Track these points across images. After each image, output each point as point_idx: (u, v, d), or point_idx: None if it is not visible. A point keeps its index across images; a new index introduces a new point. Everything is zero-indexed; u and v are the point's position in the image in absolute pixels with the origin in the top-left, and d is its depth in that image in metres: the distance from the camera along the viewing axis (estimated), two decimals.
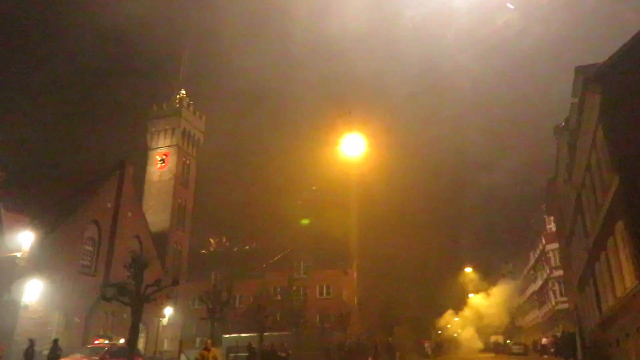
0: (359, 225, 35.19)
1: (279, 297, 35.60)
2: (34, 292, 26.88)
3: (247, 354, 23.04)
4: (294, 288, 35.38)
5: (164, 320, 31.64)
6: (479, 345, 54.77)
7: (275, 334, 27.78)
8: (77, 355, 22.32)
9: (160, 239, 43.99)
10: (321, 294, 42.20)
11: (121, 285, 20.10)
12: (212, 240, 53.87)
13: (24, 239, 26.52)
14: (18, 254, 27.09)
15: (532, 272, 45.08)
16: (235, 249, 37.21)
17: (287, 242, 37.19)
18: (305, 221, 33.82)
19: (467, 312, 46.21)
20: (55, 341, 19.02)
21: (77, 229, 29.49)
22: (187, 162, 53.90)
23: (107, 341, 26.63)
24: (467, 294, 44.11)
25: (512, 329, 49.79)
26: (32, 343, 18.91)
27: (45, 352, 20.32)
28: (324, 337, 30.93)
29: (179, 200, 50.68)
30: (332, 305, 36.65)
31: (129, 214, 36.37)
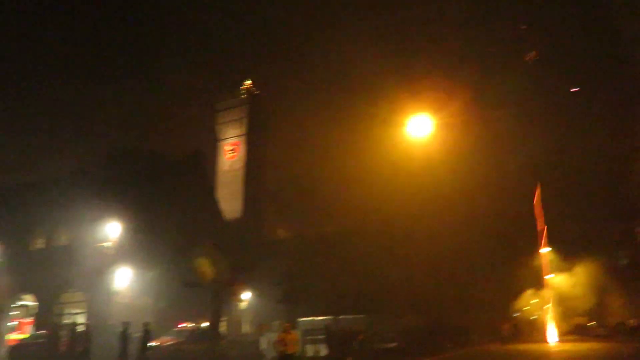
0: (427, 209, 34.74)
1: (353, 280, 35.97)
2: (123, 279, 28.86)
3: (324, 336, 23.63)
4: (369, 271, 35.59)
5: (243, 305, 32.93)
6: (561, 327, 52.63)
7: (350, 316, 28.25)
8: (165, 338, 23.88)
9: (234, 227, 45.62)
10: None
11: (201, 272, 21.28)
12: (284, 226, 55.12)
13: (112, 230, 28.50)
14: (107, 244, 29.17)
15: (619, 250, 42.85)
16: (308, 234, 37.91)
17: (354, 225, 37.41)
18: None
19: (547, 292, 44.58)
20: (146, 324, 20.31)
21: (158, 219, 31.11)
22: (257, 150, 55.19)
23: (191, 325, 28.23)
24: (546, 274, 42.53)
25: (598, 309, 47.60)
26: (126, 326, 20.31)
27: (137, 334, 21.82)
28: (399, 320, 31.08)
29: (250, 188, 52.17)
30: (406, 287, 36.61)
31: (205, 202, 38.04)
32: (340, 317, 27.77)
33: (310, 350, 27.26)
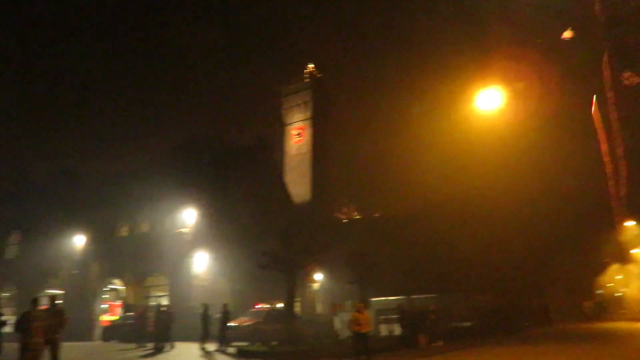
0: (499, 185, 33.64)
1: (424, 259, 35.71)
2: (201, 263, 30.21)
3: (397, 316, 23.69)
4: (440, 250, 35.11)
5: (315, 285, 33.60)
6: None
7: (423, 296, 28.11)
8: (243, 318, 24.80)
9: (304, 209, 46.34)
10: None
11: (274, 255, 21.81)
12: (353, 207, 55.38)
13: (188, 216, 29.84)
14: (185, 230, 30.58)
15: None
16: (377, 215, 37.92)
17: (424, 204, 36.86)
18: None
19: (632, 268, 42.08)
20: (225, 305, 21.19)
21: (231, 205, 32.19)
22: (322, 133, 55.46)
23: (267, 306, 29.13)
24: (631, 249, 40.16)
25: None
26: (206, 307, 21.29)
27: (217, 315, 22.82)
28: (473, 299, 30.61)
29: (318, 171, 52.63)
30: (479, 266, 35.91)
31: (275, 187, 38.94)
32: (413, 296, 27.67)
33: (383, 329, 27.45)
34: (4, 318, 10.64)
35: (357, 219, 53.27)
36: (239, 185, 34.22)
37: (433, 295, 28.70)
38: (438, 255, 31.43)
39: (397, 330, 24.76)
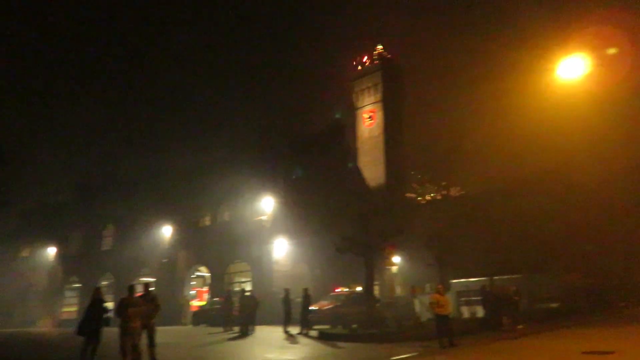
0: (587, 158, 31.67)
1: (507, 239, 34.57)
2: (281, 249, 31.02)
3: (479, 297, 23.20)
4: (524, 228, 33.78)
5: (394, 268, 33.50)
6: None
7: (506, 277, 27.26)
8: (323, 302, 25.25)
9: (379, 192, 46.16)
10: None
11: (352, 239, 21.97)
12: (431, 187, 54.31)
13: (267, 204, 30.68)
14: (264, 217, 31.46)
15: None
16: (456, 194, 37.04)
17: (505, 181, 35.46)
18: None
19: None
20: (306, 290, 21.66)
21: (307, 191, 32.68)
22: (394, 114, 54.75)
23: (346, 289, 29.47)
24: None
25: None
26: (287, 292, 21.90)
27: (298, 299, 23.39)
28: (560, 279, 29.27)
29: (391, 153, 52.10)
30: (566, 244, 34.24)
31: (349, 171, 39.10)
32: (496, 277, 26.90)
33: (465, 312, 26.96)
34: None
35: (435, 199, 52.24)
36: (314, 171, 34.67)
37: (517, 275, 27.76)
38: (522, 233, 30.25)
39: (480, 312, 24.26)
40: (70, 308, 42.96)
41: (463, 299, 27.92)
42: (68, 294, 43.90)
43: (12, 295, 45.52)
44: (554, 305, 25.69)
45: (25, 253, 48.25)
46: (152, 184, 40.89)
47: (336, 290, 28.36)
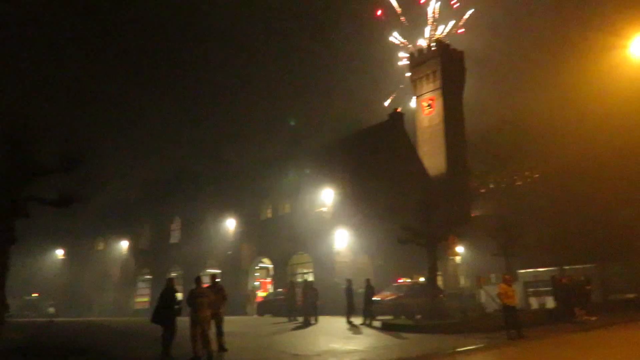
0: None
1: (578, 227, 33.04)
2: (342, 240, 31.13)
3: (548, 288, 22.40)
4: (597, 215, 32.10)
5: (458, 258, 32.90)
6: None
7: (577, 266, 26.12)
8: (386, 293, 25.16)
9: (441, 181, 45.36)
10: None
11: (414, 229, 21.74)
12: (493, 175, 52.77)
13: (327, 196, 30.86)
14: (324, 209, 31.66)
15: None
16: (519, 183, 35.76)
17: (574, 165, 33.77)
18: None
19: None
20: (368, 280, 21.64)
21: (367, 181, 32.54)
22: (454, 101, 53.51)
23: (408, 280, 29.23)
24: None
25: None
26: (350, 282, 21.99)
27: (360, 290, 23.43)
28: (637, 269, 27.69)
29: (452, 141, 50.99)
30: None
31: (409, 161, 38.62)
32: (566, 267, 25.81)
33: (534, 302, 26.09)
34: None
35: (500, 187, 50.63)
36: (374, 161, 34.50)
37: (589, 265, 26.51)
38: (594, 220, 28.80)
39: (549, 303, 23.43)
40: (143, 298, 45.13)
41: (531, 289, 26.99)
42: (140, 285, 46.09)
43: (91, 286, 48.43)
44: (630, 296, 24.36)
45: (100, 247, 51.06)
46: (217, 179, 42.17)
47: (399, 281, 28.18)
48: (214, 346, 11.53)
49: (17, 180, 10.74)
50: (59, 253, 52.90)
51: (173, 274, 42.54)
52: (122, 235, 46.91)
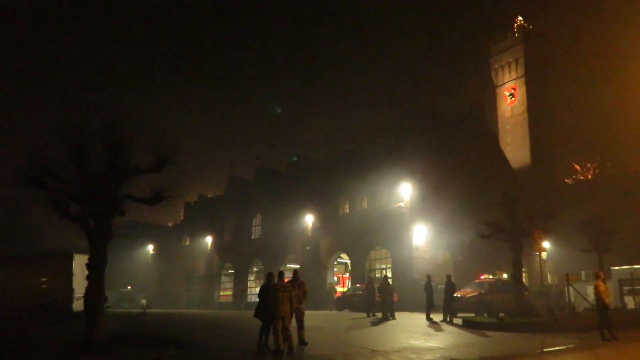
0: None
1: None
2: (420, 235, 30.78)
3: None
4: None
5: (544, 254, 31.50)
6: None
7: None
8: (467, 289, 24.67)
9: (524, 174, 43.61)
10: None
11: (496, 223, 21.12)
12: (579, 166, 50.14)
13: (405, 190, 30.64)
14: (402, 204, 31.43)
15: None
16: (615, 172, 33.69)
17: None
18: None
19: None
20: (449, 276, 21.30)
21: (447, 175, 31.92)
22: (539, 90, 51.19)
23: (491, 276, 28.45)
24: None
25: None
26: (429, 278, 21.73)
27: (440, 286, 23.08)
28: None
29: (537, 132, 48.87)
30: None
31: (490, 153, 37.43)
32: None
33: (630, 302, 24.50)
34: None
35: (590, 179, 47.89)
36: (454, 154, 33.80)
37: None
38: None
39: None
40: (226, 292, 47.04)
41: (627, 287, 25.31)
42: (224, 279, 48.02)
43: (178, 280, 51.17)
44: None
45: (186, 242, 53.72)
46: (295, 175, 43.03)
47: (481, 278, 27.48)
48: (295, 340, 11.87)
49: (115, 180, 11.60)
50: (150, 248, 56.29)
51: (254, 269, 44.02)
52: (206, 231, 49.01)
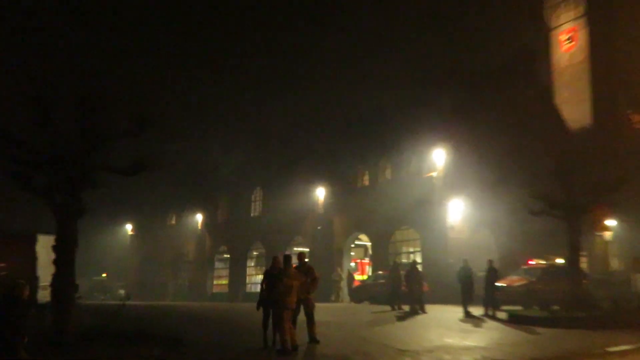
0: None
1: None
2: (456, 211, 30.72)
3: None
4: None
5: (608, 235, 31.35)
6: None
7: None
8: (513, 277, 24.70)
9: (585, 138, 43.10)
10: None
11: (549, 198, 21.00)
12: None
13: (438, 157, 30.41)
14: (434, 174, 31.27)
15: None
16: None
17: None
18: None
19: None
20: (490, 262, 21.30)
21: (488, 139, 31.66)
22: (604, 33, 50.14)
23: (542, 262, 28.40)
24: None
25: None
26: (466, 263, 21.75)
27: (480, 274, 23.11)
28: None
29: (600, 85, 48.12)
30: None
31: (542, 111, 36.97)
32: None
33: None
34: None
35: None
36: (497, 113, 33.39)
37: None
38: None
39: None
40: (221, 281, 47.41)
41: None
42: (218, 265, 48.39)
43: (163, 266, 51.62)
44: None
45: (172, 221, 54.03)
46: (304, 140, 42.78)
47: (529, 263, 27.49)
48: (304, 336, 12.00)
49: (85, 147, 11.59)
50: (128, 229, 56.61)
51: (254, 253, 44.35)
52: (196, 207, 49.09)
